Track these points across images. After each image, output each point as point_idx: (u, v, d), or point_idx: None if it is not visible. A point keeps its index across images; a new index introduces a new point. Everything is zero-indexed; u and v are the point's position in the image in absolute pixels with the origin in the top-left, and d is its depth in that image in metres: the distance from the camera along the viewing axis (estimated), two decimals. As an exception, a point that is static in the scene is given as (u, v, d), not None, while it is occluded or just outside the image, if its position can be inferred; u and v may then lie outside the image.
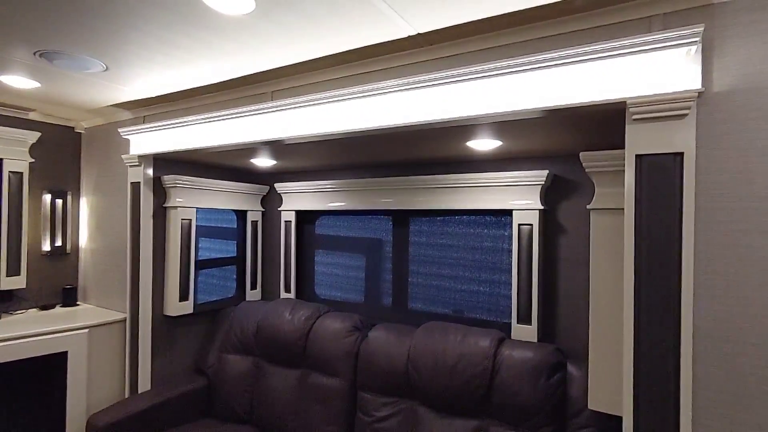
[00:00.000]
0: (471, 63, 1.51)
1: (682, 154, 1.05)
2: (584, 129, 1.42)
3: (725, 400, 1.01)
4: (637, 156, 1.10)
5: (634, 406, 1.09)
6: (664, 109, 1.06)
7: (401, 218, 2.37)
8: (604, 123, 1.34)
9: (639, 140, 1.10)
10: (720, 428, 1.01)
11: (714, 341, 1.03)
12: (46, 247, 2.70)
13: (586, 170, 1.41)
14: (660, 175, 1.07)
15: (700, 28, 0.98)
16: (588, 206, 1.40)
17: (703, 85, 1.04)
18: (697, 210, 1.05)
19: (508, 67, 1.24)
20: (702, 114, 1.05)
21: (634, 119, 1.10)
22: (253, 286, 2.80)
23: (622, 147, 1.56)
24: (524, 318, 1.87)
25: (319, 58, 1.70)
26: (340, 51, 1.63)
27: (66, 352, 2.24)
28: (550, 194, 1.91)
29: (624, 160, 1.29)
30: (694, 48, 1.02)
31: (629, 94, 1.10)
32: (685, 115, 1.04)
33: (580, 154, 1.39)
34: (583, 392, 1.60)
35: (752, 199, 1.00)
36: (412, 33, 1.47)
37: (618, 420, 1.56)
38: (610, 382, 1.38)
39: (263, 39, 1.55)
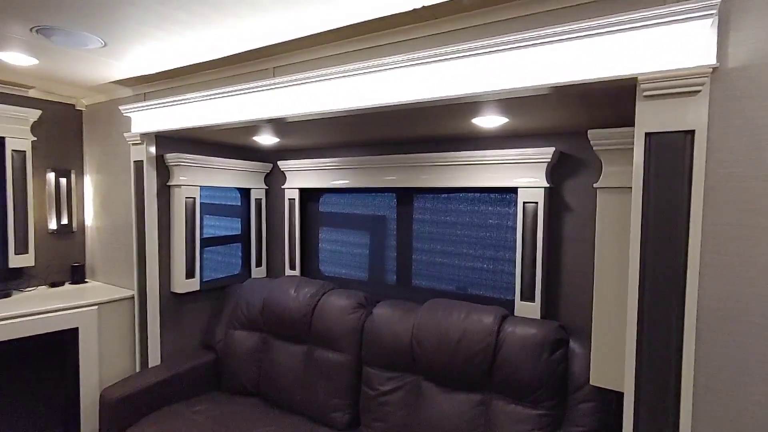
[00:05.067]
0: (477, 38, 1.47)
1: (693, 132, 1.03)
2: (593, 106, 1.39)
3: (727, 378, 1.02)
4: (646, 134, 1.08)
5: (636, 382, 1.10)
6: (676, 86, 1.03)
7: (405, 195, 2.36)
8: (613, 100, 1.31)
9: (649, 118, 1.07)
10: (721, 405, 1.03)
11: (718, 320, 1.03)
12: (53, 225, 2.72)
13: (594, 148, 1.38)
14: (670, 154, 1.05)
15: (718, 0, 0.94)
16: (595, 185, 1.39)
17: (717, 60, 1.01)
18: (706, 189, 1.03)
19: (515, 41, 1.21)
20: (715, 90, 1.02)
21: (645, 96, 1.07)
22: (259, 264, 2.83)
23: (631, 124, 1.54)
24: (528, 295, 1.89)
25: (322, 33, 1.66)
26: (343, 25, 1.59)
27: (77, 329, 2.29)
28: (556, 172, 1.89)
29: (633, 138, 1.27)
30: (710, 21, 0.98)
31: (641, 70, 1.07)
32: (698, 91, 1.02)
33: (588, 131, 1.37)
34: (585, 368, 1.63)
35: (764, 178, 0.98)
36: (417, 6, 1.43)
37: (618, 395, 1.59)
38: (612, 359, 1.39)
39: (263, 12, 1.50)
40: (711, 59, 1.00)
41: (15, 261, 2.51)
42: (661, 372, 1.07)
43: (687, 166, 1.04)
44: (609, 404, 1.60)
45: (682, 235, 1.04)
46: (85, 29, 1.65)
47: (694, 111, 1.03)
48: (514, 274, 2.03)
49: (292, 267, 2.70)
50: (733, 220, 1.01)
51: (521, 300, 1.90)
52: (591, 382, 1.43)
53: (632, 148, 1.31)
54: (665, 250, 1.06)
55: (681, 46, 1.03)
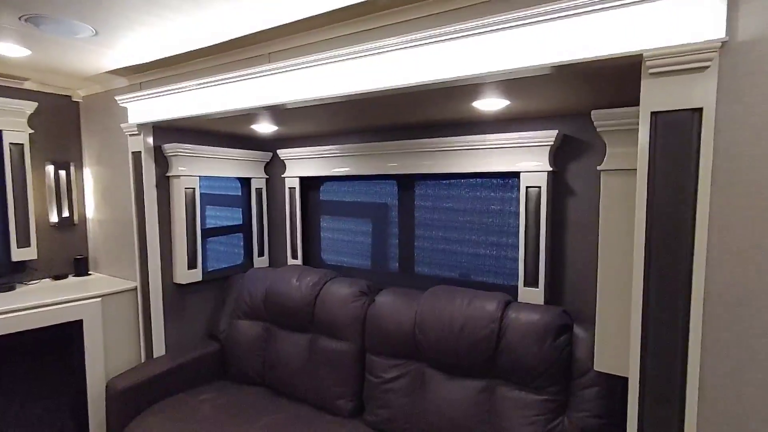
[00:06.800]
0: (476, 17, 1.42)
1: (701, 110, 0.99)
2: (597, 85, 1.35)
3: (733, 363, 1.00)
4: (652, 113, 1.04)
5: (641, 367, 1.09)
6: (683, 62, 0.99)
7: (407, 182, 2.33)
8: (617, 78, 1.27)
9: (655, 96, 1.03)
10: (726, 389, 1.01)
11: (725, 305, 1.00)
12: (54, 218, 2.72)
13: (598, 129, 1.34)
14: (676, 133, 1.02)
15: (728, -30, 0.90)
16: (599, 167, 1.35)
17: (727, 34, 0.97)
18: (714, 170, 1.00)
19: (515, 19, 1.16)
20: (724, 66, 0.98)
21: (651, 73, 1.03)
22: (261, 253, 2.82)
23: (636, 104, 1.49)
24: (531, 281, 1.87)
25: (317, 16, 1.61)
26: (339, 7, 1.54)
27: (81, 321, 2.30)
28: (560, 155, 1.85)
29: (638, 117, 1.23)
30: (719, -8, 0.94)
31: (646, 46, 1.03)
32: (707, 67, 0.97)
33: (592, 112, 1.33)
34: (589, 354, 1.62)
35: (774, 156, 0.94)
36: (414, -15, 1.38)
37: (622, 380, 1.57)
38: (616, 344, 1.38)
39: (256, -4, 1.46)
40: (720, 33, 0.96)
41: (18, 254, 2.51)
42: (666, 357, 1.05)
43: (694, 145, 1.00)
44: (614, 389, 1.58)
45: (689, 217, 1.01)
46: (74, 17, 1.61)
47: (701, 88, 0.99)
48: (517, 259, 2.00)
49: (294, 256, 2.69)
50: (741, 202, 0.98)
51: (524, 286, 1.88)
52: (595, 368, 1.41)
53: (637, 129, 1.27)
54: (671, 234, 1.03)
55: (688, 19, 0.98)
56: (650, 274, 1.07)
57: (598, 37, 1.08)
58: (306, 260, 2.75)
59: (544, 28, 1.15)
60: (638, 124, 1.08)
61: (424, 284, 2.30)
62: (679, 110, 1.01)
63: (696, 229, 1.01)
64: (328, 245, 2.68)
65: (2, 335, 2.06)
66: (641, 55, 1.03)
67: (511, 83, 1.33)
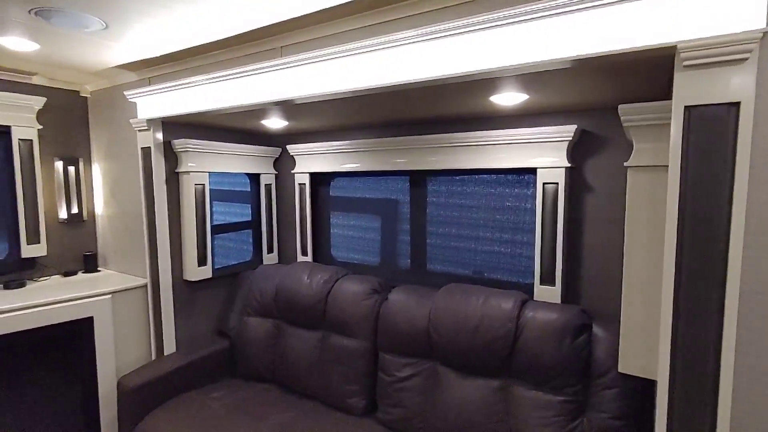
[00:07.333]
0: (493, 9, 1.38)
1: (738, 104, 0.95)
2: (621, 79, 1.30)
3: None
4: (685, 107, 1.00)
5: (671, 370, 1.05)
6: (720, 54, 0.94)
7: (419, 178, 2.29)
8: (643, 71, 1.22)
9: (689, 89, 0.99)
10: (761, 393, 0.97)
11: (761, 305, 0.97)
12: (63, 214, 2.71)
13: (624, 124, 1.30)
14: (711, 129, 0.98)
15: (771, -44, 0.85)
16: (625, 163, 1.31)
17: None
18: (751, 166, 0.96)
19: (537, 10, 1.12)
20: (764, 58, 0.94)
21: (685, 66, 0.99)
22: (270, 250, 2.80)
23: (662, 98, 1.45)
24: (547, 279, 1.83)
25: (330, 8, 1.58)
26: (352, 0, 1.51)
27: (92, 318, 2.29)
28: (578, 151, 1.81)
29: (669, 112, 1.19)
30: (761, -20, 0.89)
31: (681, 38, 0.98)
32: (745, 59, 0.93)
33: (619, 107, 1.29)
34: (609, 354, 1.58)
35: (817, 152, 0.90)
36: (433, -25, 1.34)
37: (643, 381, 1.54)
38: (642, 346, 1.34)
39: (270, -12, 1.43)
40: (760, 23, 0.92)
41: (27, 251, 2.50)
42: (698, 359, 1.02)
43: (730, 141, 0.96)
44: (635, 390, 1.55)
45: (724, 215, 0.98)
46: (84, 10, 1.58)
47: (739, 81, 0.94)
48: (533, 257, 1.97)
49: (304, 253, 2.67)
50: (779, 199, 0.94)
51: (541, 284, 1.85)
52: (620, 370, 1.38)
53: (667, 124, 1.23)
54: (705, 232, 1.00)
55: (726, 8, 0.94)
56: (681, 273, 1.03)
57: (629, 29, 1.04)
58: (316, 257, 2.72)
59: (570, 19, 1.10)
60: (669, 119, 1.03)
61: (436, 281, 2.27)
62: (714, 104, 0.97)
63: (731, 227, 0.97)
64: (338, 242, 2.65)
65: (13, 332, 2.06)
66: (675, 47, 0.99)
67: (531, 77, 1.29)
